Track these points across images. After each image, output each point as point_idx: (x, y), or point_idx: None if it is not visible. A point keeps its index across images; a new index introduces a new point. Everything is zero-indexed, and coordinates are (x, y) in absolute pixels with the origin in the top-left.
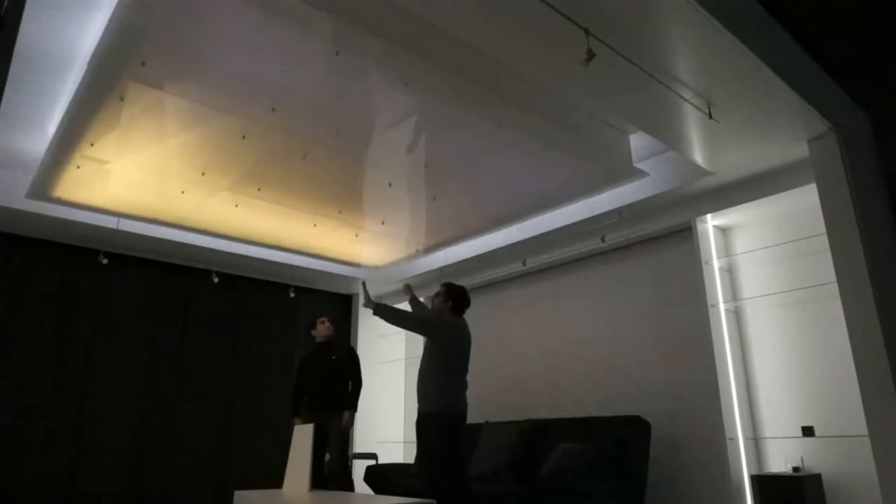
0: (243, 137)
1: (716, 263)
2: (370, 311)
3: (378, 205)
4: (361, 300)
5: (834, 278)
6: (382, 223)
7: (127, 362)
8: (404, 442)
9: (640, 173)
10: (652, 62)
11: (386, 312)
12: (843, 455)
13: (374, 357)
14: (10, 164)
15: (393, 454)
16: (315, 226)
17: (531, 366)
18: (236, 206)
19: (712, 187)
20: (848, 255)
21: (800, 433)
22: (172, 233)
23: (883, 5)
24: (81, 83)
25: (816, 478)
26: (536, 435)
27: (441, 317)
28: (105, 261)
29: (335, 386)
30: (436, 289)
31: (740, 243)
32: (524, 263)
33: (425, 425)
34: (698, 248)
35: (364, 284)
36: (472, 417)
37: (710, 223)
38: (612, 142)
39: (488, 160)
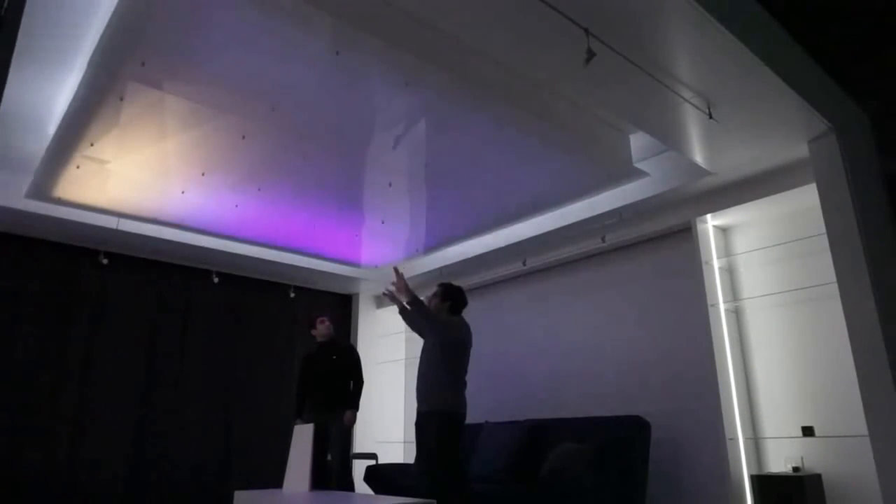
0: (243, 137)
1: (716, 263)
2: (372, 311)
3: (378, 205)
4: (388, 288)
5: (834, 278)
6: (382, 223)
7: (127, 362)
8: (404, 442)
9: (640, 173)
10: (652, 62)
11: (418, 309)
12: (843, 455)
13: (374, 357)
14: (10, 164)
15: (393, 454)
16: (315, 226)
17: (531, 366)
18: (236, 206)
19: (712, 187)
20: (848, 255)
21: (800, 433)
22: (172, 233)
23: (882, 6)
24: (81, 83)
25: (816, 478)
26: (536, 435)
27: (450, 319)
28: (105, 261)
29: (336, 385)
30: (434, 289)
31: (740, 243)
32: (524, 263)
33: (425, 425)
34: (698, 248)
35: (396, 270)
36: (472, 417)
37: (710, 223)
38: (612, 142)
39: (488, 160)
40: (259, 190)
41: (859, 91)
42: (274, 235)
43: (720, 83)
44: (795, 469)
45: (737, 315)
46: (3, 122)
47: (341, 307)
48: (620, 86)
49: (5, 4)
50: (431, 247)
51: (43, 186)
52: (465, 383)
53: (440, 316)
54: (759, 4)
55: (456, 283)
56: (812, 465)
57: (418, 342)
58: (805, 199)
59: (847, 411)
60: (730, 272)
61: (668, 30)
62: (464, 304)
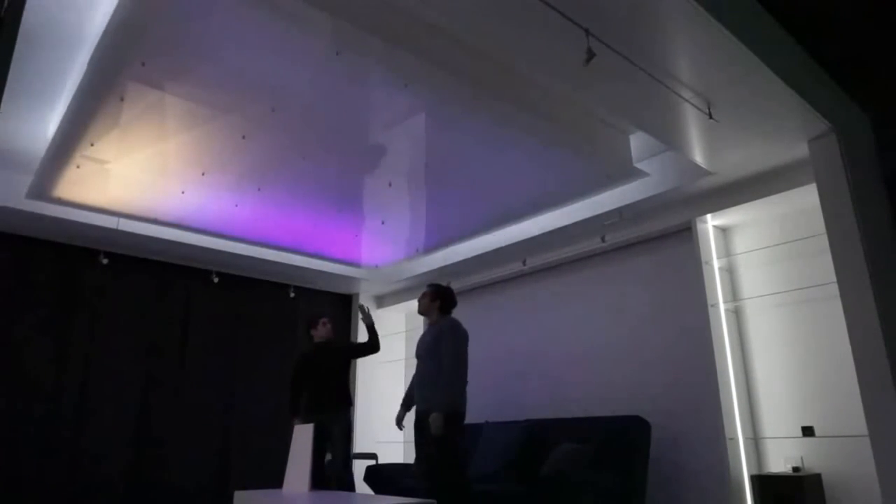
0: (243, 137)
1: (716, 263)
2: (372, 311)
3: (378, 205)
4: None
5: (834, 278)
6: (382, 223)
7: (127, 362)
8: (404, 442)
9: (640, 173)
10: (652, 62)
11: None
12: (843, 455)
13: (374, 357)
14: (10, 164)
15: (393, 454)
16: (315, 226)
17: (531, 366)
18: (236, 206)
19: (712, 187)
20: (848, 255)
21: (800, 433)
22: (172, 233)
23: (882, 5)
24: (81, 83)
25: (816, 478)
26: (536, 435)
27: (453, 333)
28: (105, 261)
29: (335, 384)
30: (424, 289)
31: (740, 243)
32: (524, 263)
33: (425, 425)
34: (698, 248)
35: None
36: (472, 417)
37: (710, 223)
38: (612, 142)
39: (489, 160)
40: (259, 190)
41: (859, 91)
42: (274, 235)
43: (720, 83)
44: (795, 469)
45: (737, 315)
46: (3, 122)
47: (341, 307)
48: (620, 86)
49: (5, 4)
50: (431, 247)
51: (43, 186)
52: (465, 382)
53: (431, 316)
54: (760, 4)
55: (456, 283)
56: (812, 465)
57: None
58: (805, 199)
59: (847, 411)
60: (730, 272)
61: (668, 29)
62: (453, 304)
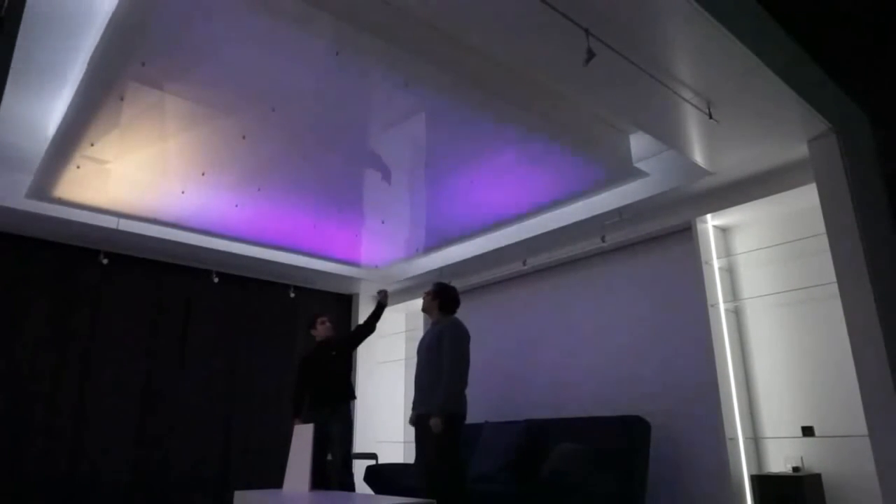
0: (243, 137)
1: (716, 263)
2: (370, 310)
3: (378, 205)
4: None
5: (834, 278)
6: (382, 223)
7: (127, 362)
8: (404, 442)
9: (640, 173)
10: (652, 62)
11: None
12: (843, 455)
13: (374, 357)
14: (10, 164)
15: (393, 454)
16: (315, 226)
17: (531, 366)
18: (236, 206)
19: (712, 187)
20: (848, 255)
21: (800, 433)
22: (172, 233)
23: (882, 5)
24: (81, 83)
25: (816, 478)
26: (536, 435)
27: (452, 333)
28: (105, 261)
29: (336, 384)
30: (429, 287)
31: (740, 243)
32: (524, 263)
33: (425, 425)
34: (698, 248)
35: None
36: (473, 417)
37: (710, 223)
38: (612, 142)
39: (489, 160)
40: (259, 190)
41: (859, 91)
42: (274, 235)
43: (720, 83)
44: (795, 469)
45: (737, 315)
46: (4, 122)
47: (341, 307)
48: (620, 86)
49: (5, 4)
50: (431, 247)
51: (43, 186)
52: (465, 383)
53: (432, 315)
54: (759, 4)
55: (456, 283)
56: (812, 465)
57: (418, 342)
58: (805, 199)
59: (847, 411)
60: (730, 272)
61: (668, 30)
62: (455, 303)
